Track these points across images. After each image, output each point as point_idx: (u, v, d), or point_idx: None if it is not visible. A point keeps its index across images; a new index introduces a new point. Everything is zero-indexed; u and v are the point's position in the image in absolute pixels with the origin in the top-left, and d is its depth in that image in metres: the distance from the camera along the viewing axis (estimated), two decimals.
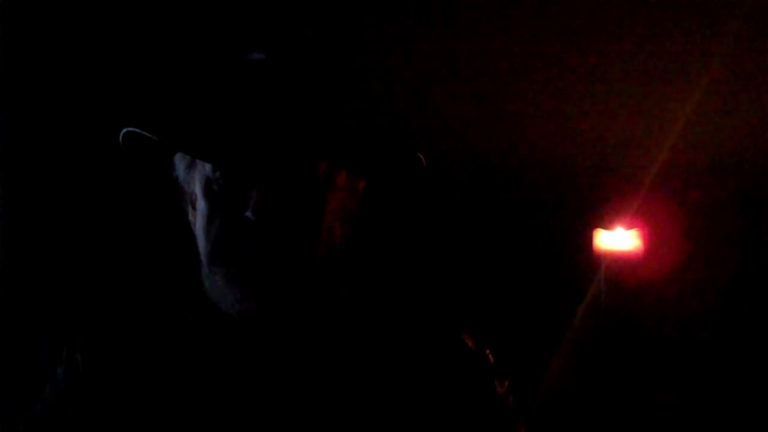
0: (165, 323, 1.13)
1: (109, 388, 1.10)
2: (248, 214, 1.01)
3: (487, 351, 1.15)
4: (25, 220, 2.27)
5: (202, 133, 1.04)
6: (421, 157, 1.08)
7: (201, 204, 1.07)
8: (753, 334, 3.03)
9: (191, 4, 2.30)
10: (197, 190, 1.08)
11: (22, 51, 2.24)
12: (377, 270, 1.29)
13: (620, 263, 3.05)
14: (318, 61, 1.10)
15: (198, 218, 1.08)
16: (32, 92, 2.25)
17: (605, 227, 3.07)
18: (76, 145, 2.27)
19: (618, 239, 3.06)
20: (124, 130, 1.06)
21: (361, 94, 1.12)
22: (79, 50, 2.26)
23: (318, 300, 1.08)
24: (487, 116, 2.75)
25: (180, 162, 1.11)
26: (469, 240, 2.88)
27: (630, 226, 3.06)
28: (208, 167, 1.05)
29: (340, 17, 2.36)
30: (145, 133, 1.05)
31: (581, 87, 2.72)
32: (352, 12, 2.36)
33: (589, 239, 3.07)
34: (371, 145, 1.09)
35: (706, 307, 3.02)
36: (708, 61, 2.56)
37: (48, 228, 2.28)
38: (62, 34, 2.24)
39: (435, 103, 2.67)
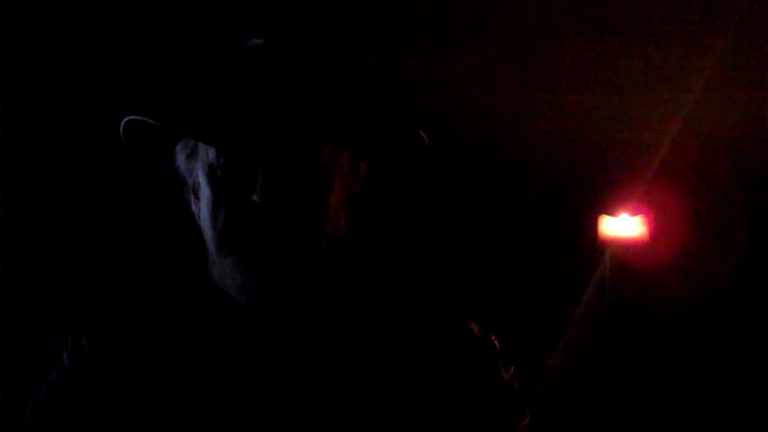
0: (171, 310, 1.13)
1: (115, 374, 1.10)
2: (255, 197, 1.00)
3: (493, 337, 1.15)
4: (31, 207, 2.27)
5: (207, 117, 1.04)
6: (423, 135, 1.07)
7: (205, 192, 1.06)
8: (757, 321, 3.03)
9: None
10: (200, 178, 1.07)
11: (22, 45, 2.24)
12: (382, 254, 1.29)
13: (625, 249, 3.04)
14: (320, 45, 1.09)
15: (202, 207, 1.08)
16: (33, 88, 2.25)
17: (610, 213, 3.06)
18: (78, 135, 2.27)
19: (623, 225, 3.06)
20: (127, 118, 1.06)
21: (365, 79, 1.12)
22: (79, 42, 2.26)
23: (324, 284, 1.08)
24: (491, 104, 2.74)
25: (181, 152, 1.11)
26: (475, 227, 2.87)
27: (635, 213, 3.06)
28: (211, 154, 1.05)
29: (346, 5, 2.36)
30: (149, 121, 1.05)
31: (586, 74, 2.71)
32: (357, 3, 2.36)
33: (594, 226, 3.07)
34: (375, 126, 1.09)
35: (710, 293, 3.02)
36: (713, 49, 2.55)
37: (53, 215, 2.28)
38: (61, 23, 2.24)
39: (440, 91, 2.66)
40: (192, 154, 1.10)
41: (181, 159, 1.12)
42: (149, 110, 1.06)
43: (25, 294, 2.26)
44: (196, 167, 1.09)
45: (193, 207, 1.13)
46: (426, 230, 2.76)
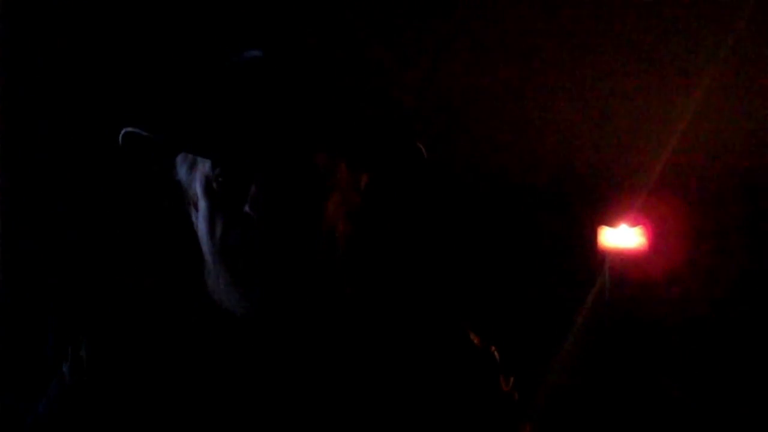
0: (169, 322, 1.13)
1: (114, 386, 1.10)
2: (246, 209, 1.01)
3: (493, 348, 1.15)
4: (28, 218, 2.27)
5: (199, 129, 1.04)
6: (421, 147, 1.07)
7: (201, 203, 1.07)
8: (757, 330, 3.03)
9: (188, 4, 2.30)
10: (198, 189, 1.08)
11: (22, 52, 2.24)
12: (383, 266, 1.29)
13: (624, 260, 3.04)
14: (316, 55, 1.09)
15: (199, 218, 1.08)
16: (32, 93, 2.25)
17: (609, 224, 3.06)
18: (79, 146, 2.27)
19: (622, 236, 3.06)
20: (123, 130, 1.06)
21: (361, 88, 1.12)
22: (78, 50, 2.27)
23: (321, 296, 1.08)
24: (491, 114, 2.74)
25: (181, 164, 1.11)
26: (474, 237, 2.87)
27: (634, 224, 3.06)
28: (207, 165, 1.05)
29: (344, 12, 2.36)
30: (143, 133, 1.05)
31: (584, 85, 2.71)
32: (356, 7, 2.36)
33: (594, 236, 3.07)
34: (370, 137, 1.09)
35: (710, 303, 3.01)
36: (711, 58, 2.56)
37: (51, 225, 2.28)
38: (61, 34, 2.25)
39: (438, 101, 2.66)
40: (192, 166, 1.10)
41: (182, 171, 1.12)
42: (144, 119, 1.07)
43: (24, 304, 2.26)
44: (196, 178, 1.09)
45: (193, 218, 1.13)
46: (424, 240, 2.76)
